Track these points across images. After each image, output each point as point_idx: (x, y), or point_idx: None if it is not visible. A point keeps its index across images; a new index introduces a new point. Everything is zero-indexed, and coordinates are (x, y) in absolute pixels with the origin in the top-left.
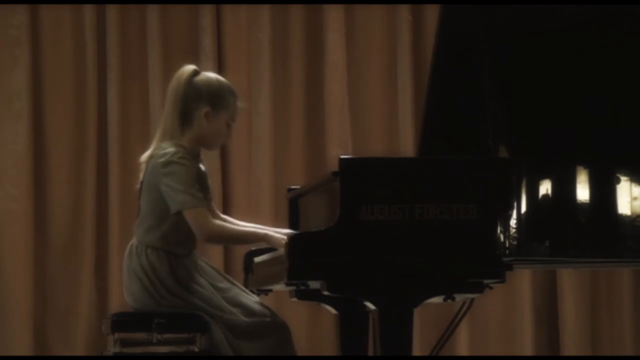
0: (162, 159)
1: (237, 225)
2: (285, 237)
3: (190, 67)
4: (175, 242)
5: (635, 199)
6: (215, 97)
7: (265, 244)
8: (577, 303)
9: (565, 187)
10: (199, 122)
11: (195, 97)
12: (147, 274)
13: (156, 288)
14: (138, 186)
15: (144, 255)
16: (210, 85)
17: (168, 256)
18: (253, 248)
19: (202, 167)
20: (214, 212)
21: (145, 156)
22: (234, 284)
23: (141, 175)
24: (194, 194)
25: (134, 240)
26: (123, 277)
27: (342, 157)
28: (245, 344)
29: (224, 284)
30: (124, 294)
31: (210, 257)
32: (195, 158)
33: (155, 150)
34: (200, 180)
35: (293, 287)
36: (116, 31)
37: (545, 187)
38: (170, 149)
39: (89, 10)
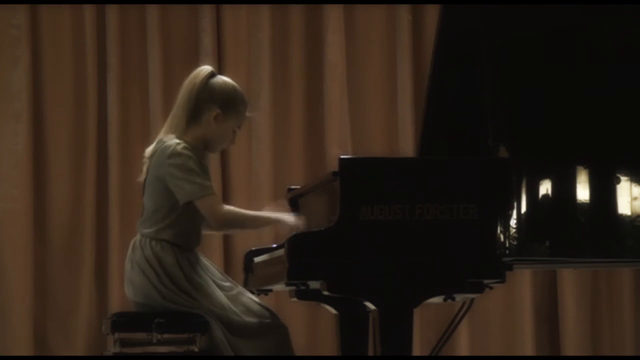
0: (167, 151)
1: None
2: (297, 220)
3: (207, 68)
4: (180, 235)
5: (635, 199)
6: (228, 101)
7: (277, 227)
8: (577, 303)
9: (565, 187)
10: (207, 123)
11: (208, 98)
12: (152, 266)
13: (161, 279)
14: (142, 179)
15: (149, 247)
16: (225, 89)
17: (173, 248)
18: (254, 248)
19: (205, 162)
20: None
21: (149, 151)
22: (235, 285)
23: (144, 171)
24: (201, 183)
25: (137, 236)
26: (125, 270)
27: (342, 157)
28: (244, 344)
29: (226, 283)
30: (125, 287)
31: (211, 257)
32: (199, 152)
33: (158, 144)
34: (203, 171)
35: (293, 287)
36: (116, 31)
37: (545, 187)
38: (172, 141)
39: (89, 10)
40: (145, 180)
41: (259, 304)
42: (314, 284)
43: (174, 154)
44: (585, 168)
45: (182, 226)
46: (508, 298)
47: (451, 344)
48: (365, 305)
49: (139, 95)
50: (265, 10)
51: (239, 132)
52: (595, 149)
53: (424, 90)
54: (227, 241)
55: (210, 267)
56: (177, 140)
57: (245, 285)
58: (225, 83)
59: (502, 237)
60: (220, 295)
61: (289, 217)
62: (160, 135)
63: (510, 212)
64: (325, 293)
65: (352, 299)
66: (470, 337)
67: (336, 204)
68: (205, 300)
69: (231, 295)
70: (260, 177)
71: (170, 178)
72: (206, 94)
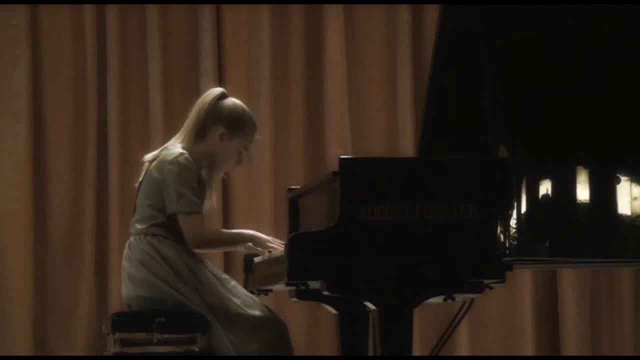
0: (169, 157)
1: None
2: (270, 239)
3: (219, 89)
4: (175, 231)
5: (635, 199)
6: (235, 121)
7: (253, 245)
8: (577, 303)
9: (565, 187)
10: (212, 140)
11: (216, 117)
12: (153, 257)
13: (164, 269)
14: (139, 182)
15: (145, 241)
16: (233, 110)
17: (168, 241)
18: (256, 259)
19: (204, 176)
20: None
21: (148, 157)
22: (231, 278)
23: (142, 175)
24: (191, 199)
25: (131, 238)
26: (123, 271)
27: (342, 157)
28: (244, 337)
29: (222, 275)
30: (122, 287)
31: (211, 257)
32: (200, 167)
33: (163, 150)
34: (200, 188)
35: (293, 287)
36: (116, 31)
37: (545, 187)
38: (177, 149)
39: (89, 10)
40: (141, 182)
41: (256, 301)
42: (314, 284)
43: (175, 162)
44: (585, 168)
45: (177, 225)
46: (508, 298)
47: (451, 344)
48: (365, 305)
49: (139, 95)
50: (265, 10)
51: (245, 154)
52: (595, 149)
53: (424, 90)
54: None
55: (207, 261)
56: (182, 151)
57: (245, 285)
58: (234, 104)
59: (502, 237)
60: (220, 287)
61: (262, 235)
62: (164, 145)
63: (510, 212)
64: (325, 293)
65: (352, 299)
66: (470, 337)
67: (336, 204)
68: (206, 291)
69: (229, 287)
70: (260, 177)
71: (163, 183)
72: (214, 113)
